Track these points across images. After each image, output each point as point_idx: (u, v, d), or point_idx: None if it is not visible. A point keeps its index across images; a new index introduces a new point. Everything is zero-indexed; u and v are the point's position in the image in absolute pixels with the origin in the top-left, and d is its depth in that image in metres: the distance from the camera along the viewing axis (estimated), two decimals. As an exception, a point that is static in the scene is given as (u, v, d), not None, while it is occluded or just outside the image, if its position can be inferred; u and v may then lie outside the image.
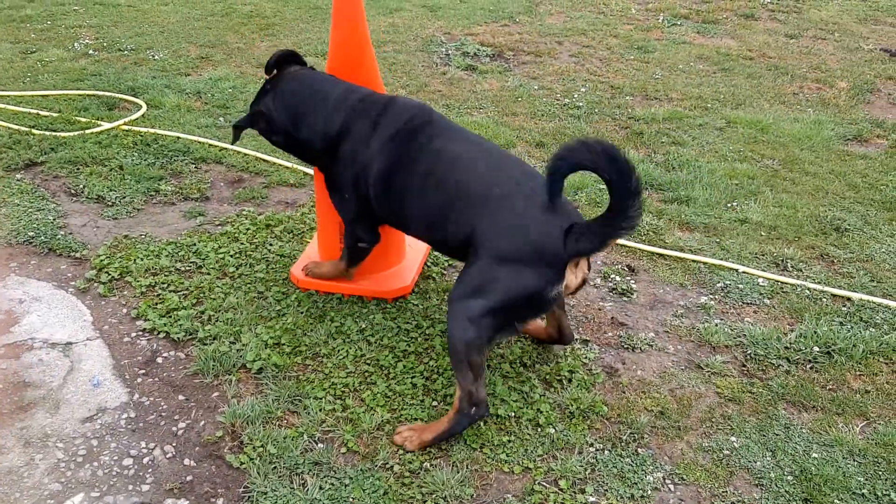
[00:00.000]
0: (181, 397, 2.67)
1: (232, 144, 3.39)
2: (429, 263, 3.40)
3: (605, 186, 4.24)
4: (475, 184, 2.47)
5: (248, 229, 3.63)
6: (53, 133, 4.50)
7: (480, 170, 2.51)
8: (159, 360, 2.83)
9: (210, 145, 4.44)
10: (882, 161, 4.61)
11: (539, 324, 2.90)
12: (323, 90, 2.80)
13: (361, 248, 2.97)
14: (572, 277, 2.36)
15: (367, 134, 2.69)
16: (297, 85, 2.84)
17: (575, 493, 2.34)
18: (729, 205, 4.02)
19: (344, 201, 2.85)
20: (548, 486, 2.36)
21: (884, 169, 4.49)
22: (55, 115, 4.75)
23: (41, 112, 4.78)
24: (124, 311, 3.07)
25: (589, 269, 2.46)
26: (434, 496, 2.31)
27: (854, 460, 2.47)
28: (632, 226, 2.22)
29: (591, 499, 2.33)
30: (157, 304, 3.10)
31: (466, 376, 2.40)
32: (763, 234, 3.77)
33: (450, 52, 6.28)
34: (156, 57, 5.94)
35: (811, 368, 2.88)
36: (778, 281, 3.38)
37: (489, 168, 2.51)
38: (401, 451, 2.45)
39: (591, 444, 2.51)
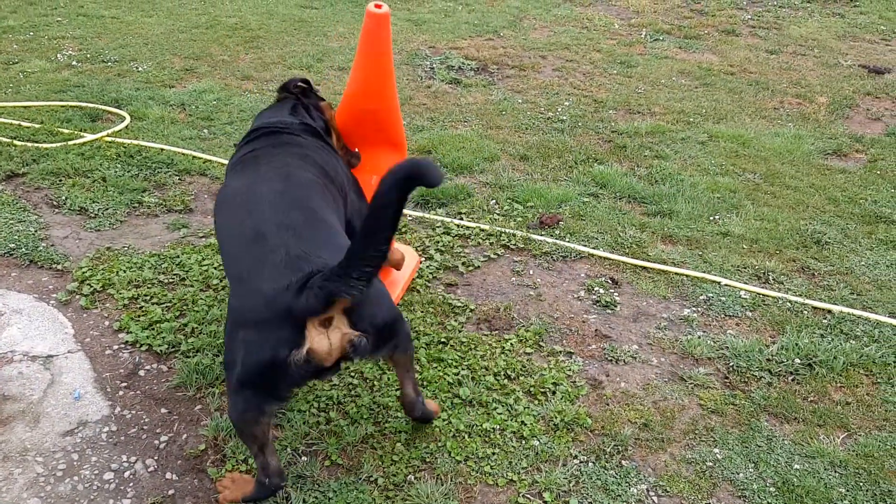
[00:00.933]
0: (163, 410, 2.65)
1: None
2: (415, 275, 3.40)
3: (588, 200, 4.25)
4: (238, 239, 2.20)
5: (231, 241, 3.61)
6: (35, 144, 4.47)
7: (252, 222, 2.18)
8: (141, 372, 2.81)
9: (194, 157, 4.43)
10: (861, 175, 4.67)
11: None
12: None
13: None
14: (322, 339, 1.98)
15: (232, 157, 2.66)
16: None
17: (559, 505, 2.34)
18: (711, 218, 4.06)
19: None
20: (532, 498, 2.36)
21: (863, 183, 4.55)
22: (37, 126, 4.72)
23: (23, 123, 4.75)
24: (106, 323, 3.05)
25: (357, 328, 2.03)
26: (418, 509, 2.30)
27: (835, 472, 2.49)
28: (361, 286, 1.87)
29: (576, 511, 2.33)
30: (139, 316, 3.07)
31: (252, 448, 2.22)
32: (745, 247, 3.80)
33: (434, 65, 6.31)
34: (140, 69, 5.92)
35: (793, 380, 2.90)
36: (760, 293, 3.41)
37: (263, 219, 2.17)
38: (385, 464, 2.44)
39: (576, 457, 2.51)
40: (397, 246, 3.41)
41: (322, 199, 2.34)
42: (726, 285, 3.46)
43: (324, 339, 1.99)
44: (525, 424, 2.62)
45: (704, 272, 3.55)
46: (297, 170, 2.41)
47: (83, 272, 3.33)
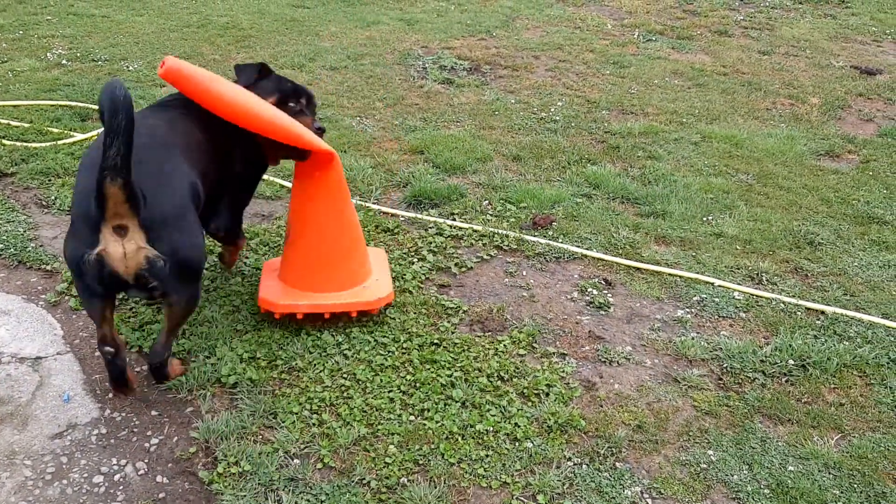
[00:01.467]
0: (154, 413, 2.62)
1: None
2: (408, 276, 3.38)
3: (581, 201, 4.24)
4: (90, 158, 2.33)
5: (223, 242, 3.59)
6: (25, 144, 4.43)
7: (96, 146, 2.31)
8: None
9: (185, 157, 4.40)
10: (853, 176, 4.67)
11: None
12: None
13: None
14: (116, 246, 2.18)
15: None
16: None
17: (553, 508, 2.33)
18: (704, 219, 4.05)
19: None
20: (526, 500, 2.35)
21: (855, 184, 4.56)
22: (26, 125, 4.68)
23: (12, 122, 4.71)
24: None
25: (156, 249, 2.23)
26: (411, 512, 2.29)
27: (829, 473, 2.49)
28: (109, 166, 2.04)
29: (570, 514, 2.32)
30: (130, 317, 3.05)
31: (96, 322, 2.48)
32: (738, 247, 3.80)
33: (427, 65, 6.29)
34: (130, 68, 5.89)
35: (786, 381, 2.90)
36: (753, 294, 3.41)
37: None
38: (378, 466, 2.43)
39: (569, 459, 2.50)
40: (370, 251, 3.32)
41: (187, 146, 2.50)
42: (720, 286, 3.46)
43: (118, 246, 2.17)
44: (518, 426, 2.61)
45: (698, 273, 3.55)
46: (184, 121, 2.58)
47: (73, 273, 3.30)
